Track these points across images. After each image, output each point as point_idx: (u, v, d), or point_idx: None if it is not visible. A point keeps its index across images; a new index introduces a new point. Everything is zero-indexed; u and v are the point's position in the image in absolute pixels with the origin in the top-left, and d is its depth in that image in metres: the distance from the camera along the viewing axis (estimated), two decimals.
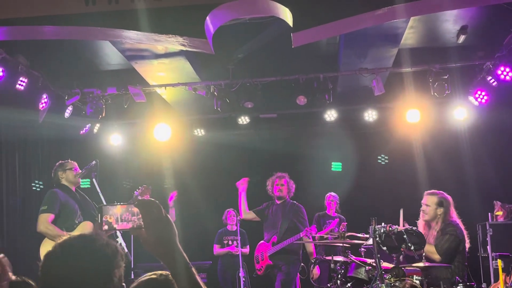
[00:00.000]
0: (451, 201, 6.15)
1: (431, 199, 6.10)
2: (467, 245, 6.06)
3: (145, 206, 1.93)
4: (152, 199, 1.97)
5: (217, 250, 9.85)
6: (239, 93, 8.86)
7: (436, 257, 5.80)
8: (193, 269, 1.93)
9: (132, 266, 8.96)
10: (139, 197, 6.82)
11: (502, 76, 7.88)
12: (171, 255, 1.92)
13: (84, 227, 6.22)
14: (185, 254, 1.94)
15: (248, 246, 9.83)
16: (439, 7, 6.42)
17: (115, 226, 1.97)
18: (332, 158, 11.00)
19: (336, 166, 11.18)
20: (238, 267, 9.22)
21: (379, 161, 10.99)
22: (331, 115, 9.44)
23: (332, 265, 6.33)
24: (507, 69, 7.81)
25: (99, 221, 1.97)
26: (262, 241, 8.23)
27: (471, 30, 7.80)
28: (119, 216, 1.98)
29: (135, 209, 1.96)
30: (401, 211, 5.87)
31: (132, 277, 8.99)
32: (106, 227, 1.98)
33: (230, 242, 9.79)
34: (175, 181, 11.10)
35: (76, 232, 6.06)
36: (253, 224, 9.43)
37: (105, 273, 1.93)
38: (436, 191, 6.22)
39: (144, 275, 2.50)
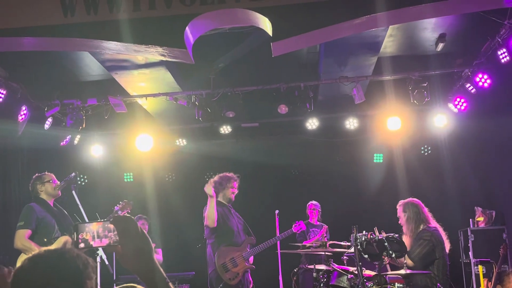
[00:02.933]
0: (419, 203, 6.22)
1: (399, 210, 6.26)
2: (447, 248, 6.09)
3: (121, 222, 1.93)
4: (128, 215, 1.96)
5: None
6: (220, 102, 8.86)
7: (409, 262, 5.83)
8: (170, 284, 1.92)
9: (114, 278, 8.87)
10: (120, 212, 6.77)
11: (481, 83, 7.96)
12: (148, 270, 1.91)
13: (61, 242, 6.16)
14: (162, 269, 1.93)
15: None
16: (418, 15, 6.48)
17: (92, 243, 1.98)
18: (314, 166, 11.02)
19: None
20: None
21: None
22: (312, 123, 9.45)
23: (314, 274, 6.33)
24: (485, 76, 7.89)
25: (75, 239, 1.96)
26: (225, 247, 7.27)
27: (450, 38, 7.88)
28: (95, 233, 1.97)
29: (111, 226, 1.95)
30: (375, 229, 5.87)
31: None
32: (82, 244, 1.97)
33: None
34: (157, 191, 11.06)
35: (53, 247, 5.99)
36: (259, 232, 9.48)
37: (76, 286, 1.91)
38: (400, 201, 6.33)
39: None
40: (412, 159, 10.54)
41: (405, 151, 10.51)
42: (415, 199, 6.32)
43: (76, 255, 1.93)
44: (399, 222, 6.27)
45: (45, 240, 6.13)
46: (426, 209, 6.26)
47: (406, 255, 5.81)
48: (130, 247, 1.90)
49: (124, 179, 11.32)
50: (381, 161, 10.95)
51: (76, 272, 1.90)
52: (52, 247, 2.00)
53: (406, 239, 6.09)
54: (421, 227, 6.08)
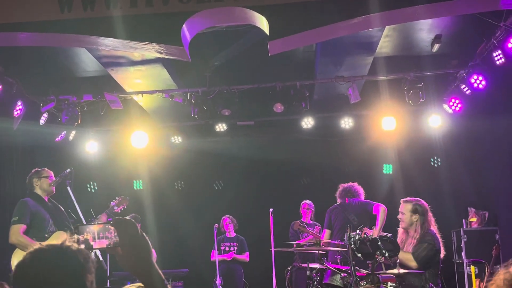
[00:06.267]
0: (427, 207, 6.18)
1: (406, 207, 6.14)
2: (442, 254, 6.10)
3: (122, 225, 1.95)
4: (128, 218, 1.99)
5: (214, 256, 9.45)
6: (216, 100, 8.86)
7: (413, 264, 5.82)
8: (169, 286, 1.95)
9: (108, 274, 8.89)
10: (116, 208, 6.76)
11: (475, 85, 8.00)
12: (147, 273, 1.94)
13: (58, 237, 6.16)
14: (161, 272, 1.96)
15: (247, 253, 9.77)
16: (414, 16, 6.50)
17: (92, 243, 1.99)
18: (309, 165, 11.04)
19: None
20: (234, 273, 9.23)
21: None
22: (307, 122, 9.48)
23: (308, 272, 6.35)
24: (480, 78, 7.93)
25: (76, 240, 1.98)
26: None
27: (445, 39, 7.91)
28: (95, 234, 2.00)
29: (112, 227, 1.97)
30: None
31: (108, 285, 8.92)
32: (83, 245, 1.99)
33: (227, 249, 9.72)
34: (152, 188, 11.06)
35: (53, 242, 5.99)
36: (253, 230, 9.52)
37: (78, 280, 1.93)
38: (411, 198, 6.27)
39: (129, 285, 2.50)
40: (407, 159, 10.57)
41: (400, 152, 10.54)
42: (424, 202, 6.28)
43: (77, 249, 1.96)
44: (399, 217, 6.23)
45: (40, 234, 6.13)
46: (431, 214, 6.27)
47: (410, 257, 5.82)
48: (130, 249, 1.93)
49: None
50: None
51: (78, 266, 1.93)
52: (50, 242, 2.02)
53: (407, 239, 6.10)
54: (425, 230, 6.08)
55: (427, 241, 5.93)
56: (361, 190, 8.10)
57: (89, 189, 11.13)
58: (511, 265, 2.07)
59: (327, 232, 7.81)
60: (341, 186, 8.13)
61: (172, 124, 10.50)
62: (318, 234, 8.12)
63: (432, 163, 10.70)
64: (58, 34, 6.40)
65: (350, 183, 8.15)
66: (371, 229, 6.66)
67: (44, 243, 2.02)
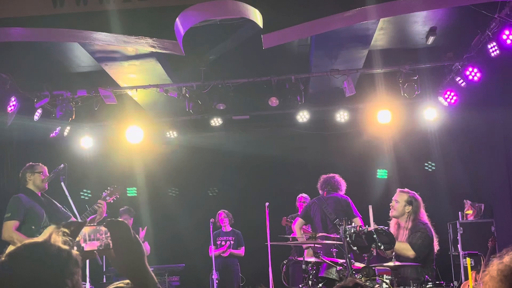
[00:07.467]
0: (421, 202, 6.19)
1: (402, 196, 6.15)
2: (436, 247, 6.10)
3: (114, 227, 1.92)
4: (121, 220, 1.96)
5: (212, 251, 9.46)
6: (211, 95, 8.84)
7: (411, 253, 5.81)
8: None
9: (104, 270, 8.88)
10: (108, 198, 6.64)
11: (470, 77, 7.98)
12: (139, 275, 1.92)
13: (45, 233, 6.08)
14: (153, 275, 1.94)
15: (243, 247, 9.75)
16: (408, 8, 6.48)
17: (83, 245, 1.96)
18: (304, 159, 11.02)
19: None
20: (230, 268, 9.22)
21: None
22: (303, 116, 9.46)
23: (303, 266, 6.34)
24: (475, 70, 7.91)
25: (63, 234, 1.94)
26: None
27: (440, 32, 7.90)
28: (86, 235, 1.96)
29: (104, 228, 1.94)
30: (370, 208, 5.90)
31: (104, 281, 8.91)
32: (75, 248, 1.95)
33: (223, 243, 9.71)
34: (147, 184, 11.04)
35: (33, 240, 5.91)
36: (249, 224, 9.48)
37: (55, 285, 1.84)
38: (408, 190, 6.28)
39: (112, 284, 2.45)
40: (402, 152, 10.57)
41: (395, 144, 10.53)
42: (419, 196, 6.29)
43: (56, 250, 1.85)
44: (390, 204, 6.23)
45: (34, 230, 6.08)
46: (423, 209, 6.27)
47: (408, 246, 5.80)
48: (122, 251, 1.90)
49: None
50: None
51: (55, 270, 1.81)
52: (38, 239, 1.94)
53: (399, 230, 6.10)
54: (416, 221, 6.09)
55: (420, 230, 5.95)
56: (342, 181, 7.99)
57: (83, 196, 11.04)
58: (505, 256, 2.05)
59: (299, 221, 7.79)
60: (322, 178, 8.03)
61: (167, 119, 10.47)
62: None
63: (427, 156, 10.69)
64: (51, 29, 6.35)
65: (331, 174, 8.01)
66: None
67: (25, 241, 1.95)
